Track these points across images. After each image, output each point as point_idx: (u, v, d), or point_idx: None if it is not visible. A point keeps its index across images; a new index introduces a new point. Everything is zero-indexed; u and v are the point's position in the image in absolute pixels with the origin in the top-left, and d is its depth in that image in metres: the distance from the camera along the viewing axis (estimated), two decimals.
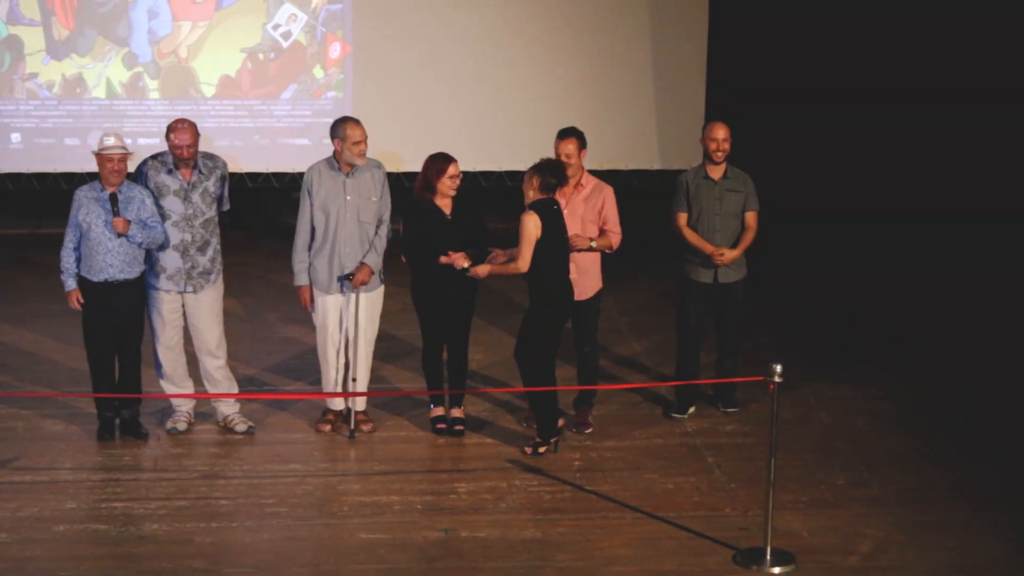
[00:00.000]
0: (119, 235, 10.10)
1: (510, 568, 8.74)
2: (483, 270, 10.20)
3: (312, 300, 10.56)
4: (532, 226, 9.97)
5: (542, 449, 10.28)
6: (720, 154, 10.74)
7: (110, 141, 10.18)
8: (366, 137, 10.41)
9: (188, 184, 10.41)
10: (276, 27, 15.47)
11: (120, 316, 10.31)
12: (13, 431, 10.59)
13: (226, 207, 10.67)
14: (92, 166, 15.08)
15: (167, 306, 10.53)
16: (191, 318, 10.61)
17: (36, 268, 14.70)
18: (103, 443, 10.36)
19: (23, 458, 10.13)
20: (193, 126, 10.36)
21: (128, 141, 15.07)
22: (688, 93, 15.94)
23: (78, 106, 15.45)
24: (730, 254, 10.73)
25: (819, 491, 9.83)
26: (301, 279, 10.53)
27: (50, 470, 10.00)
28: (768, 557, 8.82)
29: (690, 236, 10.79)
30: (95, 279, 10.22)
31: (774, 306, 13.53)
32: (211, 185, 10.48)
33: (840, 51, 15.99)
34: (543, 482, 9.90)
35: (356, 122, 10.44)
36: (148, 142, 15.36)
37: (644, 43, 15.84)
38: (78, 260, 10.27)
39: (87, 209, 10.19)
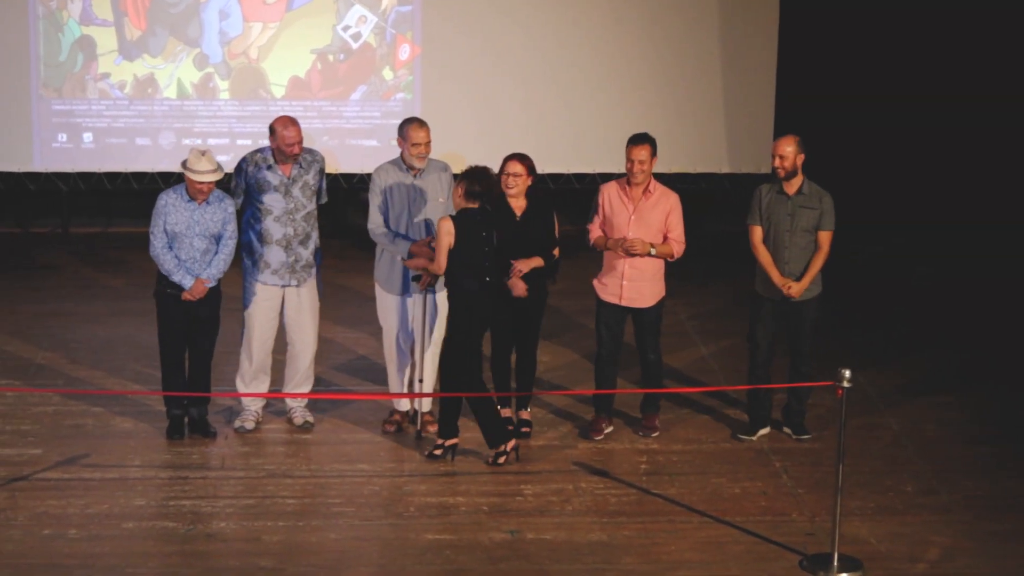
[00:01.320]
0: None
1: (576, 571, 8.73)
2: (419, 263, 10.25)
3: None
4: (444, 232, 9.93)
5: (501, 460, 10.14)
6: (782, 171, 10.34)
7: (202, 165, 10.12)
8: (428, 140, 10.38)
9: (288, 179, 10.46)
10: (346, 28, 15.52)
11: (197, 316, 10.37)
12: (84, 428, 10.67)
13: (324, 199, 10.70)
14: (163, 166, 15.32)
15: (268, 302, 10.59)
16: (291, 311, 10.65)
17: (107, 267, 14.83)
18: (172, 441, 10.42)
19: (93, 455, 10.21)
20: (295, 121, 10.42)
21: (199, 141, 15.33)
22: (758, 95, 15.87)
23: (149, 106, 15.55)
24: (797, 287, 10.32)
25: (887, 498, 9.77)
26: (400, 244, 10.46)
27: (120, 467, 10.06)
28: (835, 563, 8.77)
29: (762, 257, 10.46)
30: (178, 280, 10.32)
31: (842, 311, 13.42)
32: (311, 179, 10.53)
33: (912, 52, 15.88)
34: (609, 485, 9.89)
35: (420, 124, 10.45)
36: (218, 142, 15.46)
37: (714, 45, 15.78)
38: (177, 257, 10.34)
39: (170, 214, 10.23)
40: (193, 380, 10.50)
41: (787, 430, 10.76)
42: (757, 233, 10.50)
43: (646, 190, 10.44)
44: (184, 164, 10.17)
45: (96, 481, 9.84)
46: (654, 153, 10.43)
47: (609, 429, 10.69)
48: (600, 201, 10.55)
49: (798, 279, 10.38)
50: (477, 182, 9.98)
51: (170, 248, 10.23)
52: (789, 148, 10.35)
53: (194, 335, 10.42)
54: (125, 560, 8.75)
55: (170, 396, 10.47)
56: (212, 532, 9.13)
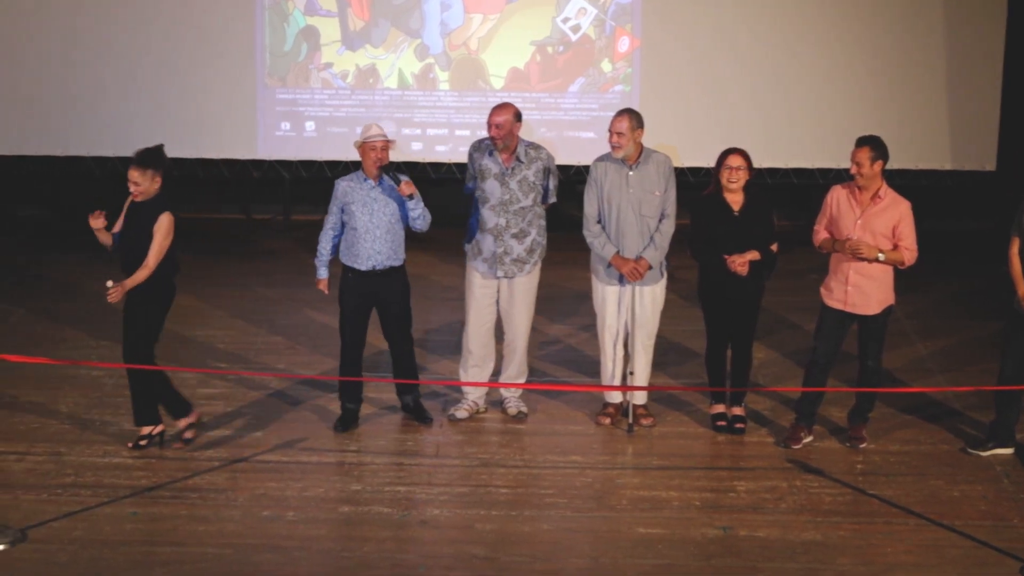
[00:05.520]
0: (406, 197, 10.22)
1: (789, 569, 8.65)
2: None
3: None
4: (167, 225, 9.97)
5: (143, 442, 10.10)
6: None
7: (374, 130, 10.30)
8: (622, 131, 10.24)
9: (507, 169, 10.52)
10: (565, 20, 15.55)
11: (386, 303, 10.46)
12: (303, 412, 10.85)
13: (551, 200, 10.70)
14: (395, 156, 15.48)
15: (481, 289, 10.67)
16: (503, 303, 10.72)
17: None
18: (389, 428, 10.53)
19: (311, 439, 10.38)
20: (510, 109, 10.44)
21: (418, 132, 15.49)
22: (983, 90, 15.53)
23: (370, 96, 15.75)
24: None
25: None
26: (608, 250, 10.49)
27: (337, 452, 10.22)
28: None
29: (1014, 269, 10.03)
30: (362, 267, 10.38)
31: None
32: (531, 174, 10.54)
33: None
34: (824, 484, 9.77)
35: (619, 114, 10.39)
36: (437, 132, 15.62)
37: (938, 38, 15.49)
38: (335, 248, 10.47)
39: (350, 198, 10.35)
40: (399, 368, 10.60)
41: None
42: (1016, 244, 10.07)
43: (876, 195, 10.08)
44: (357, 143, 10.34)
45: (314, 465, 10.00)
46: (879, 157, 10.01)
47: (808, 439, 10.48)
48: (828, 202, 10.32)
49: None
50: None
51: (335, 237, 10.42)
52: None
53: (389, 324, 10.51)
54: (341, 544, 8.88)
55: (345, 388, 10.56)
56: (426, 519, 9.22)
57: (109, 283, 9.73)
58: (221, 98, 15.74)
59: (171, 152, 15.53)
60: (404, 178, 10.22)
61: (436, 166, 15.78)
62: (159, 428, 10.19)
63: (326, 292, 10.56)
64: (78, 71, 15.64)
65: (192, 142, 15.80)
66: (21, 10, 15.56)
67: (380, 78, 15.68)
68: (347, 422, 10.55)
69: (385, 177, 10.26)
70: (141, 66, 15.63)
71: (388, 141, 10.30)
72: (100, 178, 15.82)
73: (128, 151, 15.58)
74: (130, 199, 10.04)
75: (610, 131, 10.34)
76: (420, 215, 10.31)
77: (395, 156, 15.09)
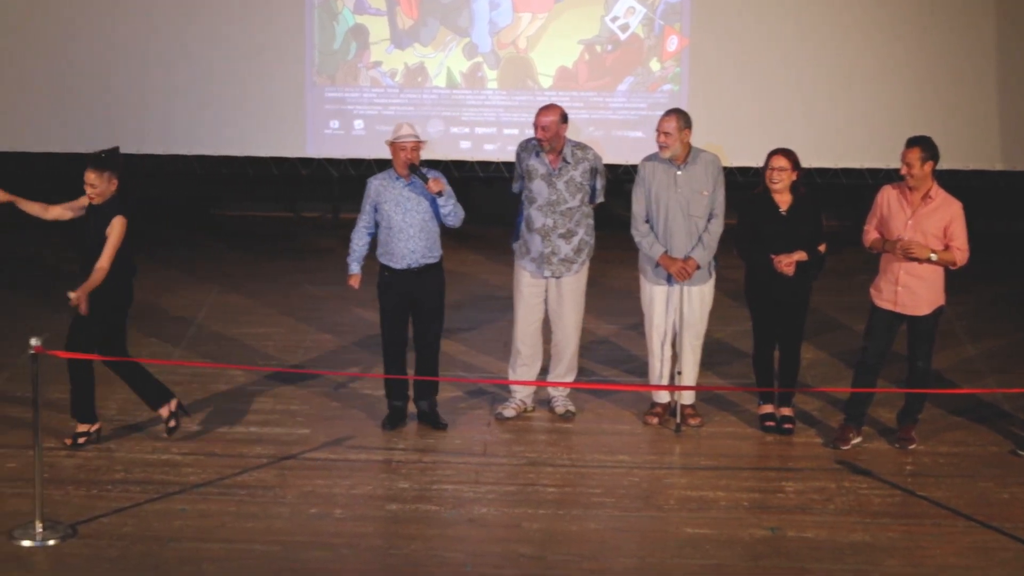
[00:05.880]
0: (435, 193, 10.23)
1: (838, 571, 8.62)
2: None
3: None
4: (120, 228, 9.95)
5: (81, 440, 10.14)
6: None
7: (404, 130, 10.32)
8: (669, 131, 10.24)
9: (554, 170, 10.52)
10: (614, 19, 15.53)
11: (420, 300, 10.46)
12: (350, 410, 10.88)
13: (599, 199, 10.69)
14: (430, 154, 15.48)
15: (529, 288, 10.69)
16: (552, 303, 10.72)
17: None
18: (435, 428, 10.54)
19: (358, 436, 10.41)
20: (555, 110, 10.44)
21: (466, 130, 15.51)
22: None
23: (419, 95, 15.77)
24: None
25: None
26: (656, 249, 10.46)
27: (384, 450, 10.24)
28: None
29: None
30: (397, 266, 10.41)
31: None
32: (578, 175, 10.53)
33: None
34: (873, 485, 9.74)
35: (667, 113, 10.39)
36: (485, 131, 15.63)
37: (989, 38, 15.40)
38: (370, 246, 10.51)
39: (383, 197, 10.37)
40: (419, 368, 10.57)
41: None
42: None
43: (926, 195, 10.02)
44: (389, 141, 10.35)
45: (361, 463, 10.03)
46: (929, 157, 9.94)
47: (857, 440, 10.42)
48: (878, 202, 10.26)
49: None
50: None
51: (368, 234, 10.47)
52: None
53: (418, 326, 10.52)
54: (388, 541, 8.90)
55: (391, 386, 10.55)
56: (474, 517, 9.24)
57: (70, 294, 9.80)
58: (270, 96, 15.79)
59: (221, 150, 15.89)
60: (433, 175, 10.22)
61: (484, 165, 15.78)
62: (96, 426, 10.24)
63: (356, 287, 10.58)
64: (130, 71, 15.71)
65: (241, 140, 15.86)
66: (61, 12, 15.65)
67: (429, 77, 15.70)
68: (395, 420, 10.57)
69: (415, 175, 10.27)
70: (191, 64, 15.68)
71: (419, 142, 10.30)
72: (145, 175, 15.91)
73: (179, 149, 15.88)
74: (86, 200, 10.10)
75: (658, 131, 10.33)
76: (451, 211, 10.31)
77: (444, 155, 15.20)
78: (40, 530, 8.81)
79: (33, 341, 8.84)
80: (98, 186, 9.95)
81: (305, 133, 15.87)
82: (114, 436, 10.30)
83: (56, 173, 15.81)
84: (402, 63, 15.71)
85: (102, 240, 9.89)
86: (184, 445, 10.16)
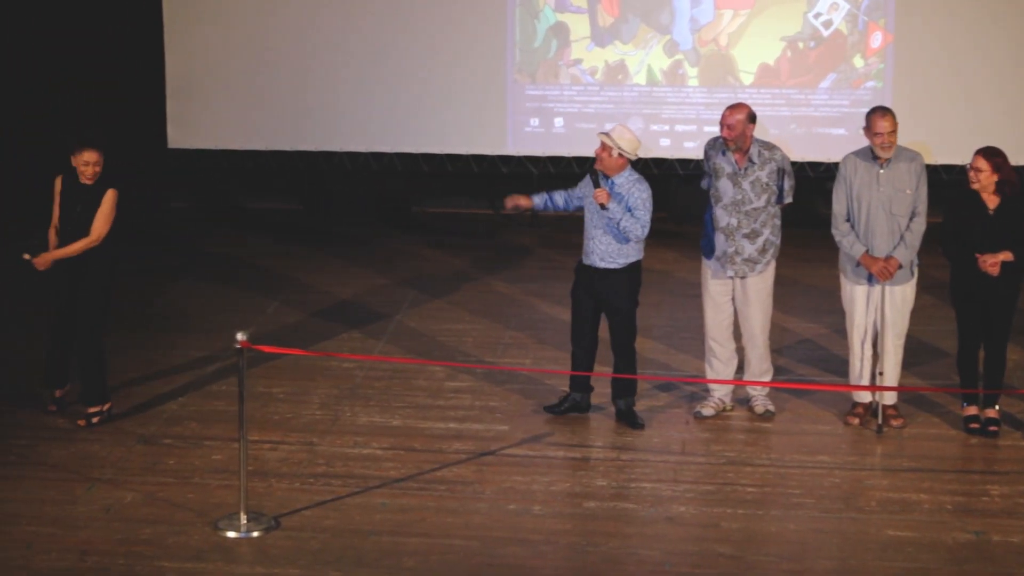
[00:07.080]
0: (601, 206, 10.22)
1: None
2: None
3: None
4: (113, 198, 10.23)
5: (95, 420, 10.34)
6: None
7: (605, 129, 10.36)
8: (892, 130, 10.16)
9: (740, 169, 10.46)
10: (817, 16, 15.38)
11: (607, 301, 10.46)
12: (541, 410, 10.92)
13: (787, 200, 10.60)
14: (643, 152, 15.55)
15: (716, 287, 10.65)
16: (738, 302, 10.67)
17: (572, 250, 15.08)
18: (633, 427, 10.51)
19: (556, 434, 10.43)
20: (743, 109, 10.36)
21: (666, 128, 15.47)
22: None
23: (619, 92, 15.78)
24: None
25: None
26: (857, 248, 10.35)
27: (582, 447, 10.25)
28: None
29: None
30: (585, 261, 10.49)
31: None
32: (764, 175, 10.46)
33: None
34: None
35: (884, 113, 10.24)
36: (686, 128, 15.58)
37: None
38: (549, 202, 10.64)
39: (584, 191, 10.45)
40: (616, 370, 10.57)
41: None
42: None
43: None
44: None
45: (559, 460, 10.05)
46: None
47: None
48: None
49: None
50: None
51: (561, 195, 10.62)
52: None
53: (610, 326, 10.53)
54: (586, 539, 8.90)
55: (575, 379, 10.63)
56: (672, 515, 9.21)
57: (26, 256, 10.19)
58: (471, 94, 15.91)
59: (422, 147, 16.05)
60: (603, 186, 10.23)
61: (684, 163, 15.73)
62: (108, 405, 10.52)
63: (507, 204, 10.65)
64: (328, 69, 15.94)
65: (442, 137, 16.01)
66: (261, 10, 15.93)
67: (629, 74, 15.69)
68: (559, 406, 10.68)
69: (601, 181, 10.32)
70: (393, 62, 15.87)
71: (606, 146, 10.28)
72: (351, 173, 16.12)
73: (381, 147, 16.08)
74: (59, 184, 10.40)
75: (878, 132, 10.15)
76: (625, 227, 10.22)
77: (643, 152, 15.14)
78: (244, 521, 8.98)
79: (239, 336, 9.00)
80: (97, 165, 10.31)
81: (505, 131, 15.97)
82: (315, 430, 10.44)
83: (248, 168, 16.12)
84: (602, 61, 15.72)
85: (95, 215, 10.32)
86: (384, 440, 10.28)
